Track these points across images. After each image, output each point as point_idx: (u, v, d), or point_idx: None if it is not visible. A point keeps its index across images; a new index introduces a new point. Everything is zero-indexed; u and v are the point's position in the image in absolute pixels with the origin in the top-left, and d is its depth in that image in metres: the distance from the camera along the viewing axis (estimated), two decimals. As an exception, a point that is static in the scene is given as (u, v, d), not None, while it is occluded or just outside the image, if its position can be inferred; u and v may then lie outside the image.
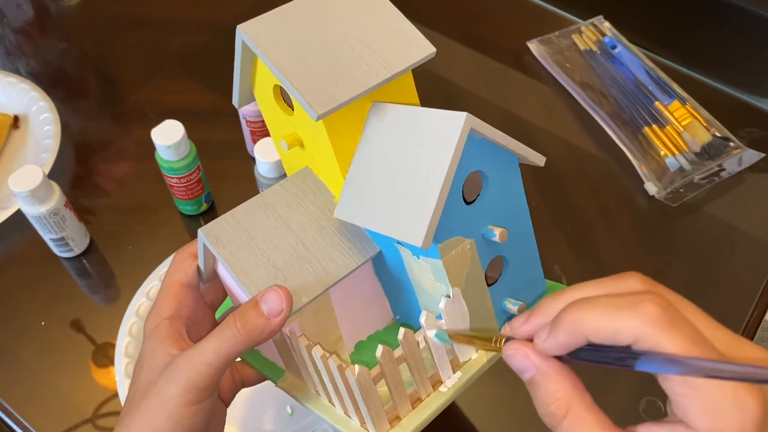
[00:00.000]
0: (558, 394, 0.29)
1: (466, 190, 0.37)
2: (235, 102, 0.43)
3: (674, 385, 0.26)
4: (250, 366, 0.46)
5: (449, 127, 0.34)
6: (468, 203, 0.37)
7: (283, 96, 0.41)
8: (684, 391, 0.26)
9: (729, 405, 0.25)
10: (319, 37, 0.38)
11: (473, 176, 0.37)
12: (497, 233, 0.37)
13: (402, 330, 0.36)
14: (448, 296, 0.37)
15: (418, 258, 0.38)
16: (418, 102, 0.41)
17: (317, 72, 0.36)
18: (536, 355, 0.30)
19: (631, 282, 0.29)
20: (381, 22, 0.39)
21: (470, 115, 0.34)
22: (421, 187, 0.34)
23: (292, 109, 0.40)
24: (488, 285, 0.40)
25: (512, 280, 0.41)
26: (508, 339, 0.32)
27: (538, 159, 0.39)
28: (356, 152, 0.39)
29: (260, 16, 0.38)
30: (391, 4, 0.40)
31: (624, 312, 0.27)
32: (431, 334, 0.37)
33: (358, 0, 0.39)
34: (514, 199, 0.39)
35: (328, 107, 0.35)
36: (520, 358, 0.30)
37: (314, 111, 0.35)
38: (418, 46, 0.38)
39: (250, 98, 0.43)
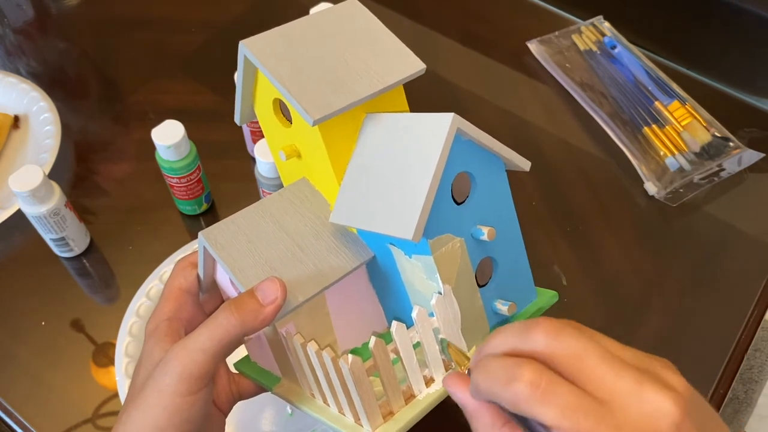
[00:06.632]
0: (488, 423, 0.33)
1: (456, 192, 0.38)
2: (237, 119, 0.46)
3: None
4: (247, 376, 0.47)
5: (437, 126, 0.36)
6: (458, 204, 0.38)
7: (282, 110, 0.43)
8: None
9: None
10: (316, 53, 0.40)
11: (462, 179, 0.38)
12: (485, 232, 0.38)
13: (395, 323, 0.37)
14: (440, 293, 0.38)
15: (410, 257, 0.39)
16: None
17: (314, 83, 0.39)
18: (467, 395, 0.34)
19: (535, 333, 0.30)
20: (374, 41, 0.42)
21: (457, 115, 0.35)
22: (411, 185, 0.36)
23: (291, 122, 0.42)
24: (479, 287, 0.41)
25: (502, 281, 0.42)
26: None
27: (524, 164, 0.41)
28: (351, 160, 0.41)
29: (261, 34, 0.40)
30: (383, 26, 0.43)
31: (500, 387, 0.30)
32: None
33: (353, 21, 0.42)
34: (501, 201, 0.41)
35: (324, 113, 0.38)
36: (456, 393, 0.34)
37: (311, 116, 0.37)
38: (409, 63, 0.41)
39: (250, 115, 0.45)
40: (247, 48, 0.39)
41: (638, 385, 0.28)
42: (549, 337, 0.30)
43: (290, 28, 0.41)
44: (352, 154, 0.41)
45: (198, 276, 0.43)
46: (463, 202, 0.39)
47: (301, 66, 0.39)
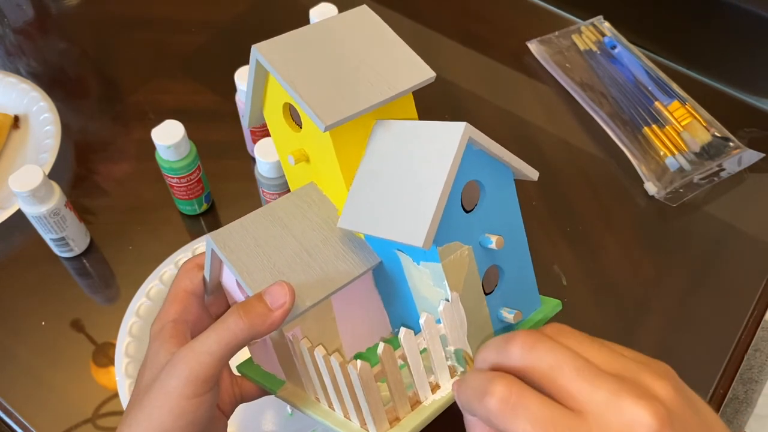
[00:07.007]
0: None
1: (465, 200, 0.38)
2: (245, 123, 0.45)
3: None
4: (250, 379, 0.47)
5: (450, 135, 0.36)
6: (467, 212, 0.38)
7: (291, 114, 0.43)
8: None
9: None
10: (328, 59, 0.40)
11: (471, 188, 0.38)
12: (494, 240, 0.38)
13: (403, 330, 0.37)
14: (447, 300, 0.38)
15: (418, 264, 0.39)
16: None
17: (326, 88, 0.39)
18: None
19: (512, 347, 0.30)
20: (385, 48, 0.42)
21: (469, 124, 0.35)
22: (422, 192, 0.36)
23: (300, 127, 0.42)
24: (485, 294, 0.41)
25: (508, 290, 0.42)
26: None
27: (532, 173, 0.41)
28: (360, 165, 0.41)
29: (273, 39, 0.40)
30: (394, 33, 0.43)
31: (475, 402, 0.30)
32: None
33: (364, 29, 0.42)
34: (510, 210, 0.41)
35: (336, 119, 0.38)
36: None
37: (322, 122, 0.37)
38: (419, 71, 0.42)
39: (259, 119, 0.45)
40: (260, 52, 0.39)
41: (615, 395, 0.27)
42: (524, 351, 0.29)
43: (302, 34, 0.41)
44: (361, 160, 0.41)
45: (204, 278, 0.43)
46: (472, 210, 0.39)
47: (312, 72, 0.39)
